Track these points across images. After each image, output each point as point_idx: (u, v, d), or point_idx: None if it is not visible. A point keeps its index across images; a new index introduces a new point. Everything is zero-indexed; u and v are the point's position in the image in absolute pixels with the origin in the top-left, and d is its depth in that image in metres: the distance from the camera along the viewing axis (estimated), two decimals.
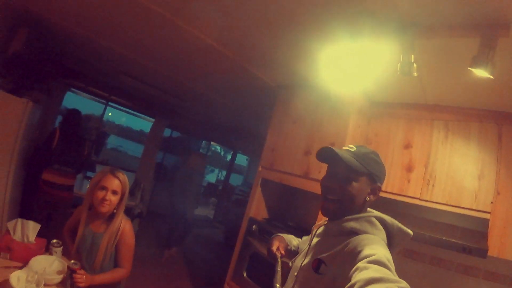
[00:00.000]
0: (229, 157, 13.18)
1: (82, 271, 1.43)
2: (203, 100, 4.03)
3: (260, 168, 2.64)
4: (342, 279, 0.88)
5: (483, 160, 1.92)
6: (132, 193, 4.42)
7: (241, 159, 9.65)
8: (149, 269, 3.82)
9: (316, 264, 1.05)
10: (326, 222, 1.16)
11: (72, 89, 5.22)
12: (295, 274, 1.15)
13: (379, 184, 1.07)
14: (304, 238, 1.43)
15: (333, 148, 1.04)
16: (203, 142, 7.38)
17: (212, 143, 8.44)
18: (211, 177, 12.01)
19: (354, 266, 0.83)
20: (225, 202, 7.09)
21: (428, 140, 2.10)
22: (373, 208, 1.10)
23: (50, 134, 3.07)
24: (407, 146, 2.17)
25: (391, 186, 2.17)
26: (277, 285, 1.02)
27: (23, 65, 2.73)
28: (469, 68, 1.24)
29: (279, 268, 1.16)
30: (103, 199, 1.57)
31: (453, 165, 2.01)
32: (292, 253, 1.39)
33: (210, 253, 5.45)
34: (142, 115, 6.72)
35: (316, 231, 1.20)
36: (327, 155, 1.08)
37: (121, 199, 1.65)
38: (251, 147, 7.21)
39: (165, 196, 6.25)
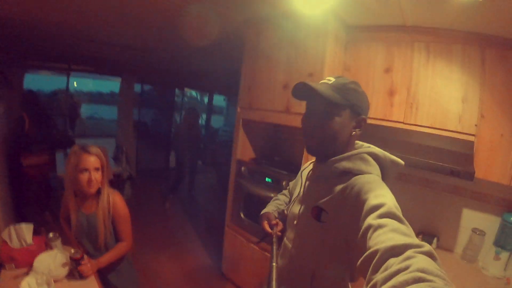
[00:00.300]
0: (206, 100, 12.98)
1: (85, 259, 1.45)
2: (169, 48, 3.74)
3: (239, 109, 2.52)
4: (349, 229, 0.86)
5: (466, 83, 1.86)
6: (116, 158, 4.41)
7: (219, 100, 9.41)
8: (152, 227, 3.88)
9: (316, 212, 1.01)
10: (314, 164, 1.11)
11: (30, 70, 4.89)
12: (294, 223, 1.13)
13: (363, 116, 1.00)
14: (291, 183, 1.43)
15: (308, 83, 0.95)
16: (176, 90, 7.07)
17: (186, 89, 8.10)
18: None
19: (361, 217, 0.79)
20: (211, 145, 6.97)
21: (409, 63, 2.00)
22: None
23: (18, 122, 3.11)
24: (388, 70, 2.07)
25: (374, 111, 2.12)
26: (273, 264, 0.95)
27: None
28: None
29: (274, 246, 1.13)
30: (89, 181, 1.49)
31: (436, 88, 1.94)
32: (283, 214, 1.39)
33: (207, 198, 5.54)
34: (109, 77, 6.37)
35: (307, 174, 1.15)
36: (303, 91, 0.99)
37: (102, 172, 1.58)
38: (227, 87, 7.12)
39: (151, 153, 6.16)
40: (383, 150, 1.01)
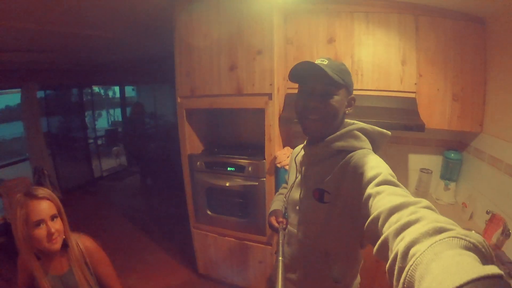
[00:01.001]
0: (111, 94, 11.85)
1: None
2: (78, 43, 3.24)
3: (179, 100, 2.30)
4: (352, 204, 0.91)
5: (404, 48, 2.03)
6: (39, 184, 3.70)
7: (128, 90, 8.76)
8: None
9: (318, 194, 1.04)
10: (306, 147, 1.13)
11: None
12: (297, 208, 1.15)
13: (353, 95, 1.07)
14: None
15: (315, 62, 0.96)
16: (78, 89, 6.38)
17: (93, 87, 7.31)
18: (102, 123, 10.39)
19: (362, 191, 0.82)
20: (135, 142, 6.20)
21: (351, 33, 2.08)
22: None
23: None
24: (331, 40, 2.13)
25: None
26: (280, 258, 0.98)
27: None
28: None
29: (281, 240, 1.13)
30: (49, 235, 1.15)
31: (377, 54, 2.07)
32: None
33: (151, 201, 5.05)
34: (4, 90, 5.44)
35: (301, 159, 1.17)
36: (307, 70, 0.98)
37: (61, 218, 1.24)
38: (141, 76, 6.75)
39: (71, 166, 5.47)
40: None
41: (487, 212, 1.66)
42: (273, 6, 1.93)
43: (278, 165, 2.07)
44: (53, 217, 1.18)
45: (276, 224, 1.23)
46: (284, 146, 2.25)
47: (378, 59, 2.06)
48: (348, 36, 2.09)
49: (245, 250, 2.38)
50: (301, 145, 1.22)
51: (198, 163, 2.33)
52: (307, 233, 1.11)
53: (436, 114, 2.02)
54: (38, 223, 1.13)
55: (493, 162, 1.81)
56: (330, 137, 1.02)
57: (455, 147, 2.24)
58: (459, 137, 2.25)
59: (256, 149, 2.37)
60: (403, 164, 2.44)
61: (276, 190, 2.11)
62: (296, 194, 1.15)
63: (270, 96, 2.03)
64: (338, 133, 1.01)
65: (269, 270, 2.35)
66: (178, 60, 2.24)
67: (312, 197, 1.05)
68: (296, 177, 1.18)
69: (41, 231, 1.13)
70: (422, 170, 2.28)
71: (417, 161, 2.38)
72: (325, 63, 0.98)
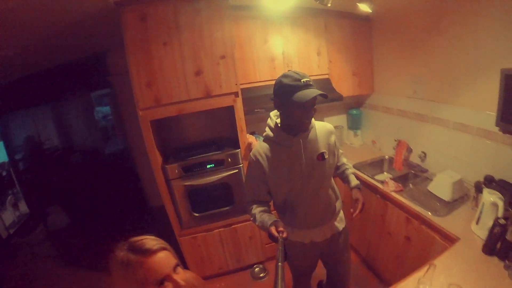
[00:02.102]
0: None
1: None
2: None
3: (141, 113, 2.25)
4: (334, 158, 1.74)
5: (318, 43, 2.79)
6: None
7: None
8: None
9: (321, 156, 1.63)
10: (298, 137, 1.57)
11: None
12: (301, 171, 1.59)
13: None
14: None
15: (321, 93, 1.42)
16: None
17: None
18: None
19: (337, 152, 1.77)
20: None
21: (280, 34, 2.64)
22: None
23: None
24: (266, 41, 2.63)
25: (263, 75, 2.69)
26: (279, 264, 1.16)
27: None
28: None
29: (280, 247, 1.30)
30: None
31: (300, 49, 2.75)
32: None
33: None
34: None
35: (298, 142, 1.58)
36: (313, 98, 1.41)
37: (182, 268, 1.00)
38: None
39: None
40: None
41: (395, 140, 2.79)
42: (229, 15, 2.22)
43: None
44: (175, 268, 0.96)
45: (276, 234, 1.41)
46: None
47: (301, 53, 2.75)
48: (278, 38, 2.64)
49: (234, 234, 2.73)
50: (263, 146, 1.62)
51: (175, 171, 2.41)
52: (317, 186, 1.65)
53: (344, 86, 2.95)
54: (162, 281, 0.91)
55: (385, 110, 2.99)
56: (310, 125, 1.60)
57: (355, 106, 3.33)
58: (356, 99, 3.32)
59: (220, 142, 2.69)
60: None
61: None
62: (296, 166, 1.59)
63: (236, 94, 2.38)
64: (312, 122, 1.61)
65: (260, 240, 2.84)
66: (135, 72, 2.16)
67: (316, 160, 1.60)
68: (297, 153, 1.58)
69: None
70: (335, 127, 3.17)
71: (331, 121, 3.10)
72: (311, 82, 1.45)
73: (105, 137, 6.11)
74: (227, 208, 2.62)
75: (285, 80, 1.44)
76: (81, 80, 4.72)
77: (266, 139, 1.65)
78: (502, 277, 1.46)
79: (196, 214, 2.55)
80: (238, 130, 2.47)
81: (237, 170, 2.53)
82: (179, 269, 0.97)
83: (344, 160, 1.93)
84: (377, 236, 2.50)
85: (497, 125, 1.77)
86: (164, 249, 0.97)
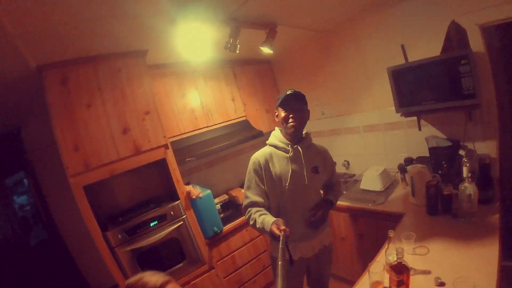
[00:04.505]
0: None
1: None
2: None
3: (72, 180, 2.10)
4: (326, 173, 1.91)
5: (230, 90, 3.12)
6: None
7: None
8: None
9: (315, 169, 1.81)
10: (296, 145, 1.77)
11: None
12: (299, 176, 1.75)
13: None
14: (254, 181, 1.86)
15: (292, 91, 1.69)
16: None
17: None
18: None
19: (330, 167, 1.92)
20: None
21: (195, 86, 2.87)
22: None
23: None
24: (183, 95, 2.81)
25: (186, 127, 2.81)
26: (280, 262, 1.17)
27: None
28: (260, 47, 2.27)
29: (281, 246, 1.33)
30: None
31: (216, 98, 3.01)
32: None
33: None
34: None
35: (298, 150, 1.77)
36: (297, 97, 1.70)
37: None
38: None
39: None
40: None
41: None
42: (144, 71, 2.35)
43: (194, 197, 2.48)
44: None
45: (277, 232, 1.44)
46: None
47: (217, 101, 3.00)
48: (193, 89, 2.86)
49: None
50: (262, 152, 1.80)
51: (119, 236, 2.20)
52: (311, 196, 1.81)
53: (261, 124, 3.28)
54: None
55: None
56: (305, 136, 1.82)
57: None
58: None
59: (155, 200, 2.59)
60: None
61: (198, 218, 2.49)
62: (298, 179, 1.74)
63: (166, 146, 2.44)
64: (309, 137, 1.85)
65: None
66: (61, 137, 2.04)
67: (311, 172, 1.78)
68: (287, 169, 1.74)
69: None
70: None
71: None
72: (297, 92, 1.69)
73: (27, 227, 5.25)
74: (180, 265, 2.45)
75: (279, 96, 1.75)
76: None
77: (270, 144, 1.85)
78: (453, 228, 1.74)
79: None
80: (174, 182, 2.47)
81: (181, 222, 2.45)
82: None
83: (337, 183, 2.04)
84: (333, 246, 2.59)
85: (397, 111, 2.22)
86: (168, 282, 0.93)
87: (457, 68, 1.81)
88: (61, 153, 2.08)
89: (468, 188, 1.72)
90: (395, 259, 1.31)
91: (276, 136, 1.84)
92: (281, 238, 1.39)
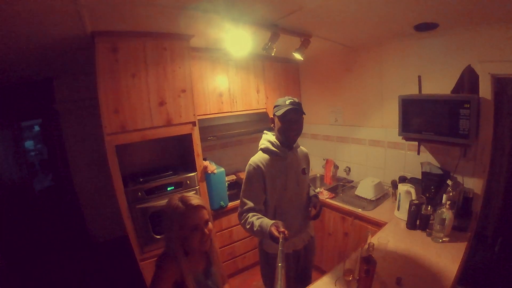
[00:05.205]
0: None
1: None
2: None
3: (107, 138, 2.37)
4: (308, 173, 2.11)
5: (257, 82, 3.37)
6: None
7: None
8: None
9: (303, 171, 2.01)
10: (286, 151, 1.90)
11: None
12: (296, 179, 1.94)
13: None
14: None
15: (293, 104, 1.79)
16: None
17: None
18: None
19: (309, 168, 2.12)
20: None
21: (226, 74, 3.13)
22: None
23: None
24: (214, 79, 3.07)
25: (212, 109, 3.09)
26: (279, 265, 1.20)
27: None
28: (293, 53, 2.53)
29: (280, 248, 1.36)
30: (203, 238, 1.36)
31: (243, 87, 3.26)
32: None
33: None
34: None
35: (292, 154, 1.94)
36: (296, 110, 1.79)
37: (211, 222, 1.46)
38: None
39: None
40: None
41: (323, 159, 3.41)
42: (186, 54, 2.61)
43: (209, 172, 2.79)
44: (206, 222, 1.38)
45: (276, 234, 1.50)
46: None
47: (243, 90, 3.26)
48: (225, 77, 3.12)
49: None
50: (259, 158, 1.87)
51: (138, 194, 2.52)
52: (302, 196, 2.01)
53: None
54: (195, 227, 1.33)
55: (313, 137, 3.68)
56: (296, 143, 1.97)
57: None
58: None
59: (172, 167, 2.91)
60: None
61: (209, 191, 2.83)
62: (293, 178, 1.92)
63: (194, 123, 2.72)
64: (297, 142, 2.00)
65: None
66: (104, 99, 2.32)
67: (301, 173, 1.98)
68: (292, 170, 1.92)
69: (196, 234, 1.33)
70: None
71: None
72: (295, 102, 1.80)
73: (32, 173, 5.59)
74: None
75: (276, 103, 1.85)
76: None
77: (265, 151, 1.91)
78: (427, 243, 2.04)
79: (158, 236, 2.62)
80: (195, 155, 2.77)
81: (194, 192, 2.76)
82: (209, 224, 1.41)
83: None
84: (319, 239, 2.92)
85: (399, 135, 2.47)
86: (203, 207, 1.38)
87: (459, 109, 2.06)
88: (102, 113, 2.35)
89: (445, 213, 2.00)
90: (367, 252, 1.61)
91: (271, 142, 1.91)
92: (280, 240, 1.43)
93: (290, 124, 1.81)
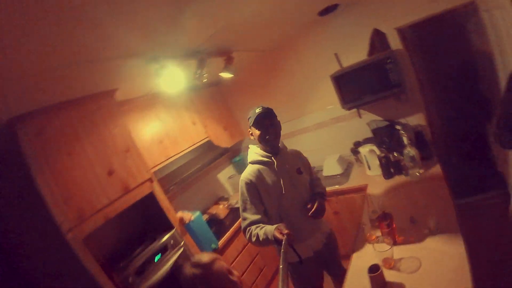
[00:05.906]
0: None
1: None
2: None
3: (70, 235, 1.96)
4: (306, 171, 2.10)
5: (190, 115, 3.28)
6: None
7: None
8: None
9: (299, 170, 2.02)
10: (273, 156, 1.94)
11: None
12: (290, 181, 1.93)
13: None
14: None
15: (270, 111, 1.88)
16: None
17: None
18: None
19: (307, 165, 2.13)
20: None
21: (158, 119, 2.96)
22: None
23: None
24: (148, 128, 2.85)
25: (158, 158, 2.86)
26: (281, 266, 1.23)
27: None
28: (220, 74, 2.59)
29: (283, 249, 1.40)
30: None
31: (179, 125, 3.20)
32: None
33: None
34: None
35: (280, 159, 1.95)
36: (267, 114, 1.86)
37: None
38: None
39: None
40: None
41: None
42: (115, 110, 2.38)
43: (187, 221, 2.58)
44: (230, 272, 1.33)
45: (280, 236, 1.54)
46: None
47: (181, 128, 3.17)
48: (157, 120, 2.95)
49: None
50: (250, 171, 1.91)
51: (129, 279, 2.16)
52: (303, 195, 1.97)
53: (222, 141, 3.47)
54: (222, 284, 1.27)
55: None
56: (281, 145, 2.04)
57: (235, 155, 3.84)
58: (233, 148, 3.81)
59: (146, 235, 2.59)
60: (218, 183, 3.68)
61: (196, 240, 2.61)
62: (287, 181, 1.91)
63: (151, 179, 2.48)
64: (282, 144, 2.06)
65: None
66: (46, 191, 1.89)
67: (296, 173, 1.99)
68: (284, 176, 1.91)
69: None
70: (229, 177, 3.65)
71: (222, 175, 3.72)
72: (265, 107, 1.86)
73: None
74: None
75: (248, 116, 1.91)
76: None
77: (254, 162, 1.95)
78: (408, 181, 2.30)
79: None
80: (165, 212, 2.52)
81: (182, 248, 2.50)
82: (233, 271, 1.35)
83: (318, 178, 2.21)
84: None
85: (343, 108, 2.72)
86: (218, 259, 1.31)
87: (384, 66, 2.37)
88: (51, 209, 1.91)
89: (410, 151, 2.28)
90: (378, 213, 1.77)
91: (257, 153, 1.97)
92: (283, 242, 1.46)
93: (266, 128, 1.86)
